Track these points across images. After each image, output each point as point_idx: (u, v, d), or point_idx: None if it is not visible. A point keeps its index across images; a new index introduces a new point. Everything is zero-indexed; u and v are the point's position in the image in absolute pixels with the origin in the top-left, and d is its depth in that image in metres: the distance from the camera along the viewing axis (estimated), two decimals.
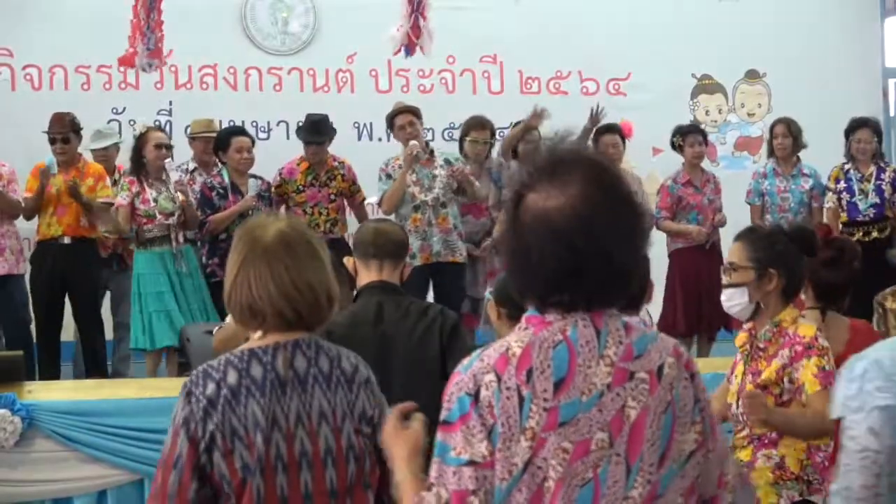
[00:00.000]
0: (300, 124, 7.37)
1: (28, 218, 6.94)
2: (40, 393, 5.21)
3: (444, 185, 6.90)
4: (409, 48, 7.09)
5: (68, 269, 6.77)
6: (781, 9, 9.15)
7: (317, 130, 7.24)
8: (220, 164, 7.21)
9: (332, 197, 7.19)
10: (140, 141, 6.80)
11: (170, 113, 8.19)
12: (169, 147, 6.87)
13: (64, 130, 6.88)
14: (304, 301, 2.33)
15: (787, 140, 7.52)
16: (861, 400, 2.14)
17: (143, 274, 6.68)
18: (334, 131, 7.34)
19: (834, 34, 9.25)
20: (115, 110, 8.10)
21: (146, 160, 6.74)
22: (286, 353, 2.32)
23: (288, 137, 7.87)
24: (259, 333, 2.38)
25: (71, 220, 6.85)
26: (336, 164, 7.27)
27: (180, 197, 6.68)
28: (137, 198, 6.71)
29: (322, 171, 7.21)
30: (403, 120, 6.99)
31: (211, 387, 2.27)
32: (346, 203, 7.31)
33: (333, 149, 7.44)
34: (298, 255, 2.35)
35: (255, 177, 7.03)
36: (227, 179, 6.93)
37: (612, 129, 7.50)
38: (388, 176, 6.94)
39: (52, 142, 6.89)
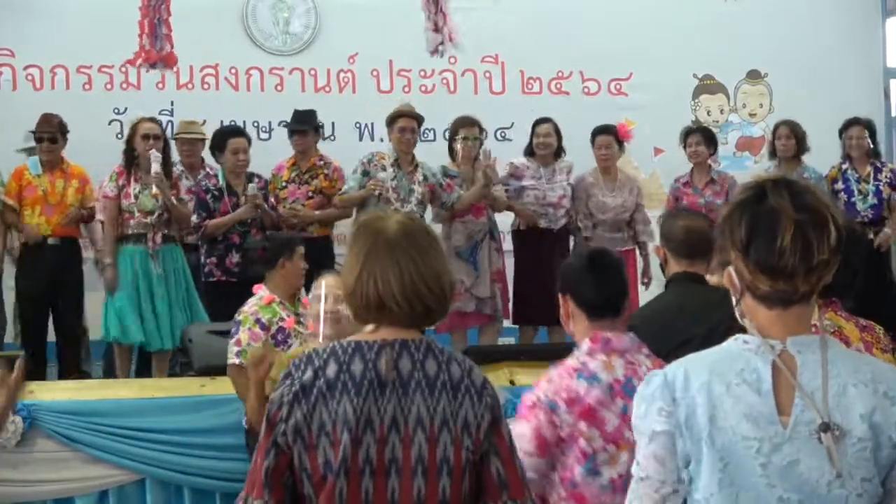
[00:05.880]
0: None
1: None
2: (42, 393, 5.22)
3: (419, 202, 6.88)
4: (451, 44, 7.14)
5: (56, 269, 6.77)
6: (783, 9, 9.14)
7: (303, 120, 7.26)
8: (207, 167, 7.23)
9: (310, 194, 7.18)
10: (131, 132, 6.72)
11: (171, 113, 8.18)
12: (157, 137, 6.66)
13: (52, 130, 6.91)
14: (432, 293, 2.24)
15: (790, 142, 7.53)
16: (645, 422, 1.95)
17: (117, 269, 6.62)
18: (321, 126, 7.35)
19: (835, 35, 9.24)
20: (116, 111, 8.10)
21: (137, 153, 6.63)
22: (391, 353, 2.22)
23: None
24: (371, 326, 2.28)
25: (58, 219, 6.87)
26: (321, 163, 7.27)
27: (153, 190, 6.51)
28: (122, 191, 6.61)
29: (305, 168, 7.22)
30: (406, 123, 6.94)
31: (309, 373, 2.20)
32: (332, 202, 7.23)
33: (335, 149, 7.46)
34: (422, 247, 2.26)
35: (251, 177, 6.88)
36: (222, 181, 6.84)
37: (607, 130, 7.49)
38: (365, 173, 6.88)
39: (40, 140, 6.92)
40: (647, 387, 1.97)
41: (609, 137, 7.41)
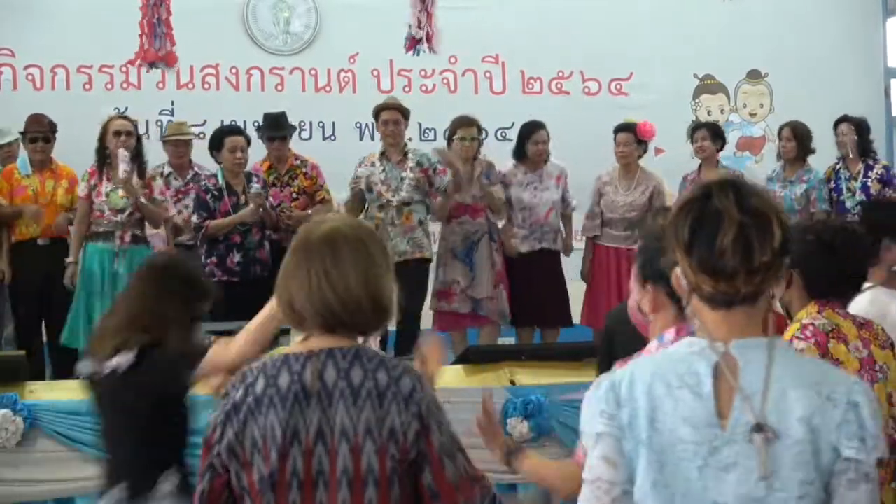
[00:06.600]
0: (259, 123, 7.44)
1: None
2: (42, 393, 5.21)
3: (412, 188, 6.89)
4: (428, 46, 7.11)
5: (47, 270, 6.76)
6: (783, 9, 9.16)
7: (278, 125, 7.26)
8: (195, 166, 7.23)
9: (295, 196, 7.17)
10: (103, 130, 6.65)
11: (172, 113, 8.19)
12: (129, 134, 6.60)
13: (44, 130, 6.94)
14: (342, 304, 2.17)
15: (790, 143, 7.56)
16: (590, 425, 1.93)
17: (83, 269, 6.58)
18: (293, 128, 7.36)
19: (836, 34, 9.25)
20: (116, 110, 8.04)
21: (109, 151, 6.58)
22: (317, 363, 2.17)
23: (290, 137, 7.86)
24: (302, 336, 2.25)
25: (48, 220, 6.87)
26: (297, 162, 7.26)
27: (120, 192, 6.48)
28: (94, 190, 6.59)
29: (283, 170, 7.22)
30: (389, 116, 6.95)
31: (241, 391, 2.19)
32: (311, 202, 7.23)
33: (335, 149, 7.46)
34: (340, 255, 2.19)
35: (249, 176, 6.83)
36: (221, 181, 6.79)
37: (627, 128, 7.48)
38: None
39: (33, 140, 6.93)
40: (595, 390, 1.95)
41: (628, 135, 7.40)
